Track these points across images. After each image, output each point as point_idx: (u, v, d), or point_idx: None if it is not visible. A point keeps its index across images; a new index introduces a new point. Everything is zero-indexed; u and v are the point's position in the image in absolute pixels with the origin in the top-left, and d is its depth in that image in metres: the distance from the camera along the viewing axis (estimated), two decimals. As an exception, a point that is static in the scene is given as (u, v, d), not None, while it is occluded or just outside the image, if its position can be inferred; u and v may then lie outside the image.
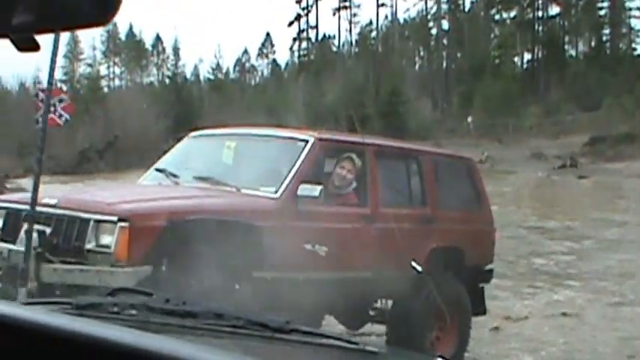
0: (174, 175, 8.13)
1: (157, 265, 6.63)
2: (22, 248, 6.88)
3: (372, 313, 8.94)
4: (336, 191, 7.96)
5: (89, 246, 6.71)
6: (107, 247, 6.61)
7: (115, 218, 6.58)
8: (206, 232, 6.64)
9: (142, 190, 8.00)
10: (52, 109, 21.73)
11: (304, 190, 7.38)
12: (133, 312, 2.15)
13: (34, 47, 1.36)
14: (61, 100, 18.64)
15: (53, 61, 6.94)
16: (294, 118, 37.45)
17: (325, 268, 7.50)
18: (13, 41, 1.36)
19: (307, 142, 7.88)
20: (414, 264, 7.93)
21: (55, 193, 8.04)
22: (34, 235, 6.79)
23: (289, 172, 7.61)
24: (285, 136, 8.23)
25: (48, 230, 6.95)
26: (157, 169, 8.47)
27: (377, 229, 7.92)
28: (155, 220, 6.70)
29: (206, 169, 8.14)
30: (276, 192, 7.47)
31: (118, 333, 1.41)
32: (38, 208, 7.03)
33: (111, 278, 6.48)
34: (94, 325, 1.45)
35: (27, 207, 7.21)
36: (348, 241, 7.81)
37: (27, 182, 23.70)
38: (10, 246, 7.08)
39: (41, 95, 23.41)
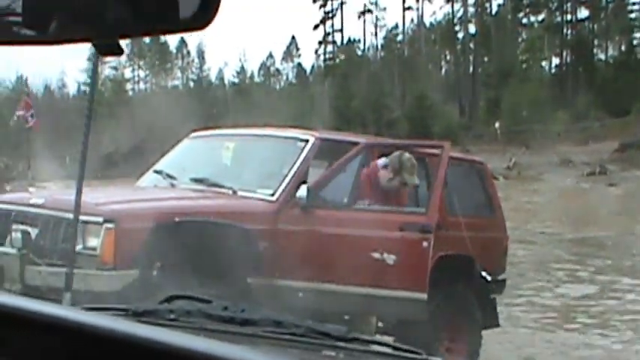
0: (172, 177, 7.91)
1: (144, 268, 6.38)
2: (11, 250, 6.72)
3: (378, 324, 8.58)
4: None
5: (76, 248, 6.47)
6: (93, 249, 6.37)
7: (100, 219, 6.34)
8: (197, 235, 6.42)
9: (133, 192, 7.82)
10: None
11: (303, 191, 7.10)
12: (191, 319, 2.14)
13: (118, 52, 1.31)
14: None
15: (95, 71, 6.90)
16: (319, 122, 37.30)
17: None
18: (95, 45, 1.33)
19: (307, 141, 7.64)
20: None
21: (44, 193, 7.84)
22: (18, 236, 6.60)
23: (288, 173, 7.36)
24: (285, 136, 8.00)
25: (35, 231, 6.75)
26: (155, 171, 8.27)
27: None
28: (142, 222, 6.45)
29: (203, 171, 7.92)
30: (273, 194, 7.23)
31: (186, 340, 1.36)
32: (25, 209, 6.87)
33: (97, 282, 6.27)
34: (163, 332, 1.41)
35: (17, 208, 7.06)
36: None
37: (52, 186, 23.59)
38: None
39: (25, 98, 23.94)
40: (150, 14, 1.25)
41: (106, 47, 1.32)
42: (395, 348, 2.15)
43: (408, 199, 7.94)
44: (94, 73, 6.94)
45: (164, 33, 1.33)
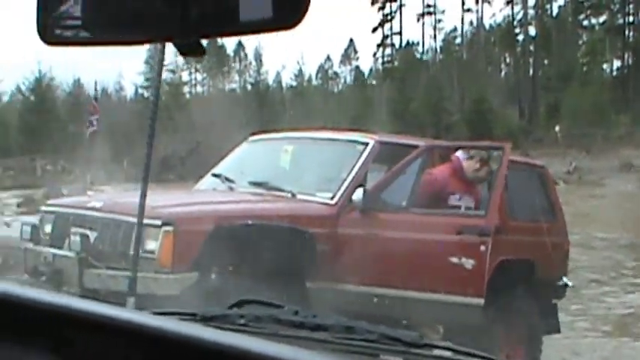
0: (230, 180, 7.89)
1: (203, 272, 6.36)
2: (70, 253, 6.74)
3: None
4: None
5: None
6: (152, 252, 6.36)
7: (159, 222, 6.32)
8: (255, 238, 6.38)
9: (192, 195, 7.80)
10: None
11: (359, 195, 7.04)
12: (261, 324, 2.13)
13: (199, 52, 1.29)
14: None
15: (159, 74, 6.85)
16: (377, 125, 37.19)
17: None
18: (176, 45, 1.29)
19: (367, 145, 7.57)
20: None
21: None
22: (77, 239, 6.62)
23: (347, 176, 7.31)
24: (345, 139, 7.94)
25: (94, 235, 6.77)
26: (214, 174, 8.26)
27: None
28: (200, 225, 6.43)
29: (262, 174, 7.89)
30: (332, 197, 7.18)
31: (257, 344, 1.33)
32: (83, 212, 6.90)
33: (155, 285, 6.26)
34: (234, 336, 1.36)
35: (76, 211, 7.10)
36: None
37: (111, 190, 23.81)
38: (56, 250, 6.92)
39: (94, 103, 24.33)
40: (235, 13, 1.21)
41: (187, 47, 1.29)
42: (467, 354, 2.11)
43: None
44: (158, 76, 6.92)
45: (250, 33, 1.28)
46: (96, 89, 26.75)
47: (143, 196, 6.09)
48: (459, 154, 7.75)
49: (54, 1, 1.23)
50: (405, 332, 2.10)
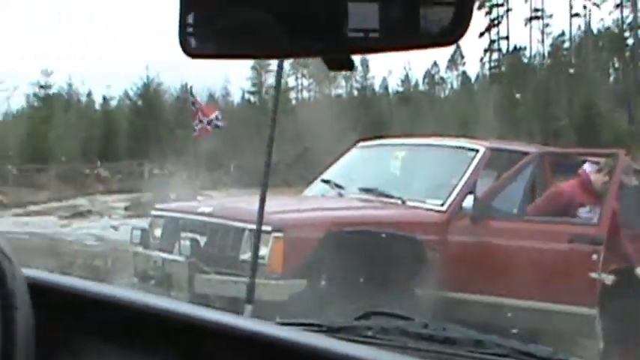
0: (339, 186, 7.87)
1: (312, 278, 6.35)
2: (179, 257, 6.79)
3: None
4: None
5: (244, 257, 6.50)
6: (261, 258, 6.36)
7: (269, 228, 6.32)
8: (365, 245, 6.34)
9: (301, 201, 7.81)
10: (206, 122, 22.89)
11: (469, 202, 6.95)
12: (389, 336, 2.07)
13: (349, 67, 1.25)
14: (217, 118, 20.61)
15: (278, 81, 6.92)
16: (484, 131, 36.83)
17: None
18: (325, 60, 1.25)
19: (477, 151, 7.47)
20: None
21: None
22: (187, 244, 6.66)
23: (458, 183, 7.22)
24: (455, 146, 7.86)
25: (203, 239, 6.82)
26: (323, 180, 8.25)
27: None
28: (310, 231, 6.44)
29: (371, 180, 7.84)
30: (442, 204, 7.10)
31: (388, 357, 1.37)
32: (193, 217, 6.94)
33: (264, 291, 6.25)
34: (363, 349, 1.40)
35: (186, 216, 7.15)
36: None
37: (217, 195, 24.06)
38: (166, 255, 6.98)
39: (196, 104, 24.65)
40: (389, 29, 1.17)
41: (337, 62, 1.26)
42: None
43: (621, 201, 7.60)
44: (277, 83, 6.92)
45: (405, 49, 1.23)
46: (192, 94, 26.72)
47: (262, 202, 6.08)
48: (586, 167, 7.58)
49: (197, 15, 1.21)
50: (539, 347, 2.02)
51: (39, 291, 1.20)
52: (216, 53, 1.28)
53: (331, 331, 2.06)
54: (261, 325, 1.44)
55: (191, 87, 28.79)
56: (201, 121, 23.85)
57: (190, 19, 1.21)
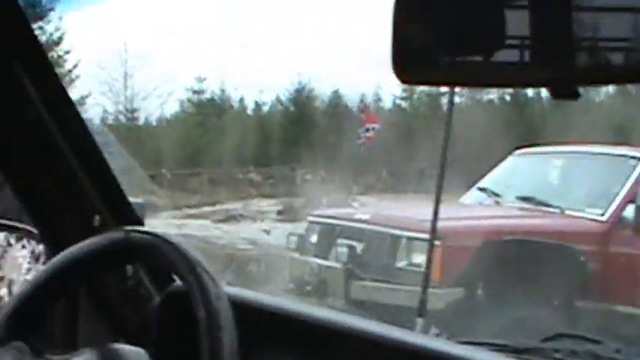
0: (496, 194, 7.77)
1: (469, 287, 6.29)
2: (335, 264, 6.83)
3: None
4: None
5: (400, 264, 6.49)
6: (418, 266, 6.35)
7: (427, 236, 6.29)
8: (523, 255, 6.26)
9: (458, 209, 7.73)
10: (367, 131, 23.17)
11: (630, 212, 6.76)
12: None
13: (573, 97, 1.20)
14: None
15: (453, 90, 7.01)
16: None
17: None
18: (550, 90, 1.21)
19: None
20: None
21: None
22: (343, 250, 6.69)
23: (619, 192, 7.04)
24: (616, 154, 7.65)
25: (360, 246, 6.84)
26: (479, 188, 8.16)
27: None
28: (468, 240, 6.38)
29: (529, 189, 7.71)
30: (602, 214, 6.93)
31: None
32: (350, 224, 6.96)
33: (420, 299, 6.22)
34: None
35: (342, 222, 7.18)
36: None
37: (369, 200, 24.04)
38: (322, 261, 7.02)
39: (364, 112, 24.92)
40: (616, 64, 1.12)
41: (562, 91, 1.20)
42: None
43: None
44: (450, 95, 6.89)
45: (625, 83, 1.20)
46: (362, 100, 27.12)
47: (435, 211, 6.06)
48: None
49: (411, 43, 1.20)
50: None
51: (238, 308, 1.21)
52: (429, 81, 1.26)
53: (517, 352, 2.01)
54: (444, 343, 1.43)
55: (362, 95, 29.15)
56: (367, 130, 24.18)
57: (403, 47, 1.17)
